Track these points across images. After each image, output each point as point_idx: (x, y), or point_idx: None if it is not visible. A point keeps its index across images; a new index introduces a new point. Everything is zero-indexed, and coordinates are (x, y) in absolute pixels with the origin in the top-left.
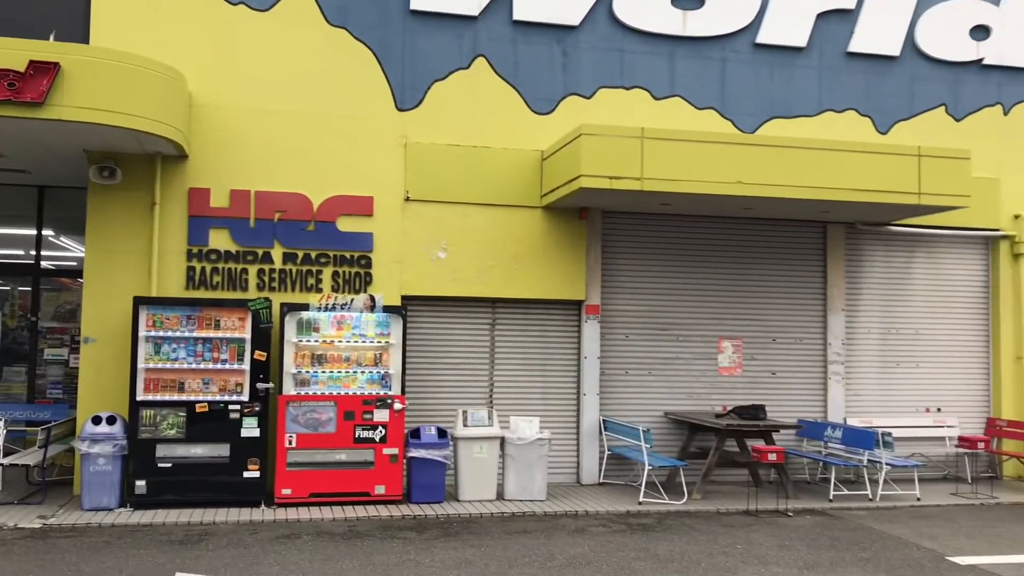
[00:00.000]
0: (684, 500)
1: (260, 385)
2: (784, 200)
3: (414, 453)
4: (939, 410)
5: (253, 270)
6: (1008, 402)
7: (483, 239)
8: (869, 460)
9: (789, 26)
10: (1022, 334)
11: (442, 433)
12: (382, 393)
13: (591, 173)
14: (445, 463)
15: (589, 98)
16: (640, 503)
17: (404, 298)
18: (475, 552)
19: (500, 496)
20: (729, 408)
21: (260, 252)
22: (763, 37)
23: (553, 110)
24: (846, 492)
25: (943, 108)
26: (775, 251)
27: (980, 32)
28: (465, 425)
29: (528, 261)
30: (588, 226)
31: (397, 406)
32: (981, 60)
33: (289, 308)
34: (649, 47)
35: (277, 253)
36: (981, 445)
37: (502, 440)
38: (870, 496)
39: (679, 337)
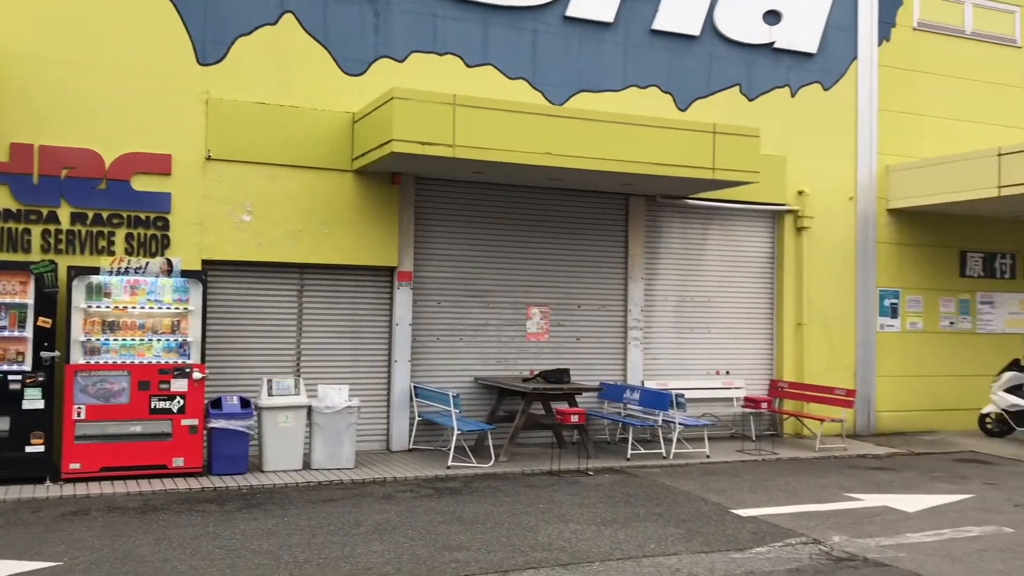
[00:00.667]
0: (492, 463)
1: (44, 354)
2: (589, 172)
3: (215, 424)
4: (728, 373)
5: (37, 231)
6: (789, 365)
7: (291, 202)
8: (664, 420)
9: (597, 1)
10: (802, 302)
11: (245, 403)
12: (180, 362)
13: (403, 138)
14: (248, 433)
15: (402, 62)
16: (449, 467)
17: (205, 263)
18: (278, 522)
19: (307, 466)
20: (536, 372)
21: (45, 211)
22: (573, 11)
23: (364, 72)
24: (643, 451)
25: (738, 88)
26: (581, 222)
27: (772, 17)
28: (270, 394)
29: (338, 226)
30: (401, 192)
31: (196, 375)
32: (772, 44)
33: (77, 272)
34: (462, 14)
35: (64, 213)
36: (764, 405)
37: (309, 409)
38: (664, 454)
39: (489, 304)
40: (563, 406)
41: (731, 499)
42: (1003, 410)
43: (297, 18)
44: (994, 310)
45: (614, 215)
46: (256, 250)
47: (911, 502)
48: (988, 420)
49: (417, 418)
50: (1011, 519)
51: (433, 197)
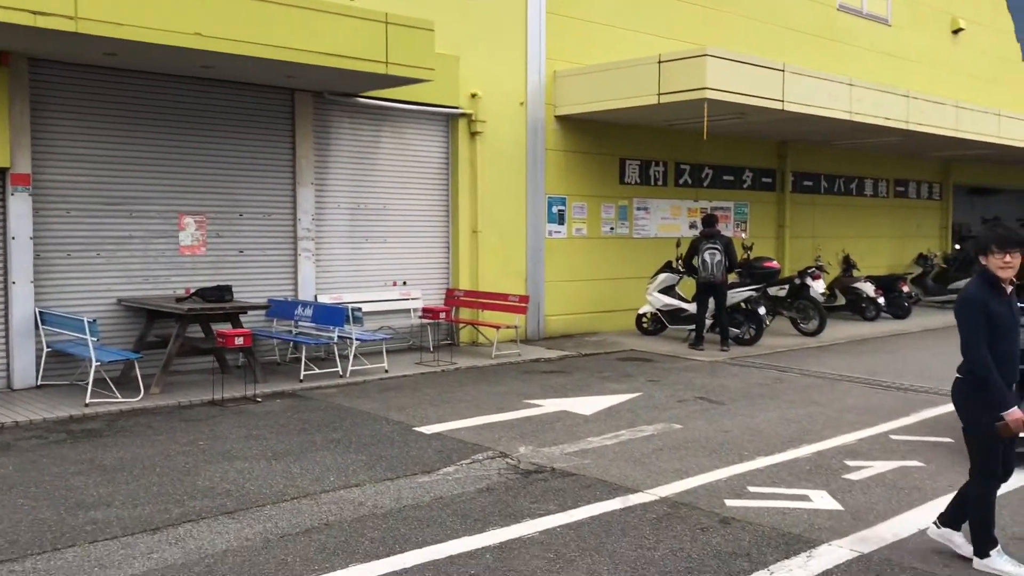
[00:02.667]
0: (141, 397)
1: None
2: (248, 60)
3: None
4: (405, 283)
5: None
6: (465, 273)
7: None
8: (339, 336)
9: None
10: (477, 209)
11: None
12: None
13: (8, 5)
14: None
15: None
16: (87, 405)
17: None
18: None
19: None
20: (192, 291)
21: None
22: None
23: None
24: (317, 371)
25: None
26: (241, 119)
27: None
28: None
29: None
30: (11, 75)
31: None
32: None
33: None
34: None
35: None
36: (442, 315)
37: None
38: (341, 372)
39: (132, 213)
40: (225, 327)
41: (414, 416)
42: (658, 310)
43: None
44: (649, 216)
45: (279, 112)
46: None
47: (587, 404)
48: (644, 320)
49: (46, 349)
50: (677, 415)
51: (56, 84)
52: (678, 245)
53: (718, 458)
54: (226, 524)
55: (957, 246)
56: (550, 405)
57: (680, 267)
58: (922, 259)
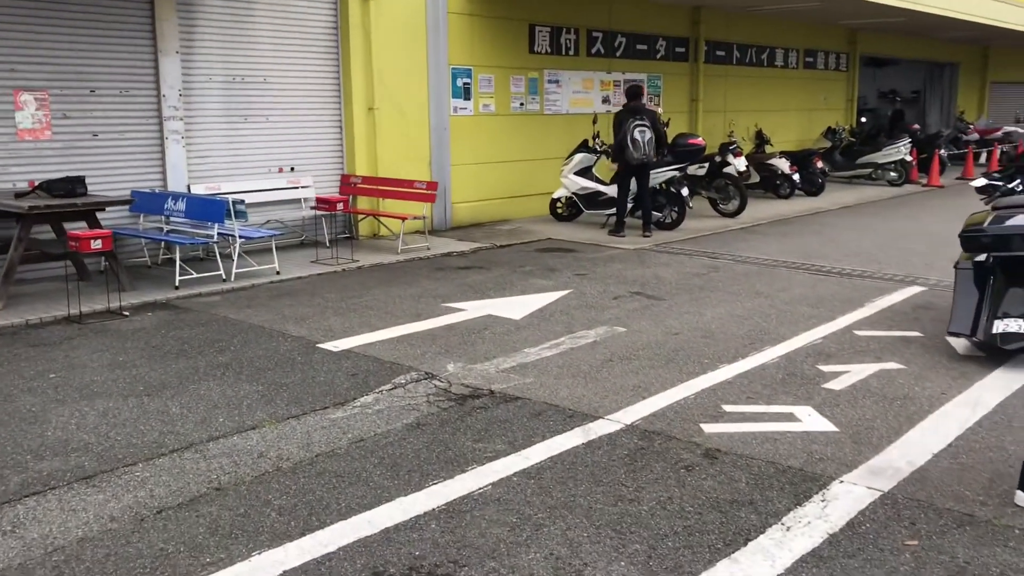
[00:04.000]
0: None
1: None
2: None
3: None
4: (293, 169)
5: None
6: (362, 157)
7: None
8: (220, 234)
9: None
10: (373, 83)
11: None
12: None
13: None
14: None
15: None
16: None
17: None
18: None
19: None
20: (37, 184)
21: None
22: None
23: None
24: (196, 275)
25: None
26: None
27: None
28: None
29: None
30: None
31: None
32: None
33: None
34: None
35: None
36: (340, 206)
37: None
38: (224, 276)
39: None
40: (81, 228)
41: (316, 329)
42: (573, 194)
43: None
44: (560, 89)
45: None
46: None
47: (514, 306)
48: (559, 204)
49: None
50: (617, 315)
51: None
52: (595, 122)
53: (677, 368)
54: (84, 496)
55: (863, 119)
56: (473, 309)
57: (598, 146)
58: (830, 133)
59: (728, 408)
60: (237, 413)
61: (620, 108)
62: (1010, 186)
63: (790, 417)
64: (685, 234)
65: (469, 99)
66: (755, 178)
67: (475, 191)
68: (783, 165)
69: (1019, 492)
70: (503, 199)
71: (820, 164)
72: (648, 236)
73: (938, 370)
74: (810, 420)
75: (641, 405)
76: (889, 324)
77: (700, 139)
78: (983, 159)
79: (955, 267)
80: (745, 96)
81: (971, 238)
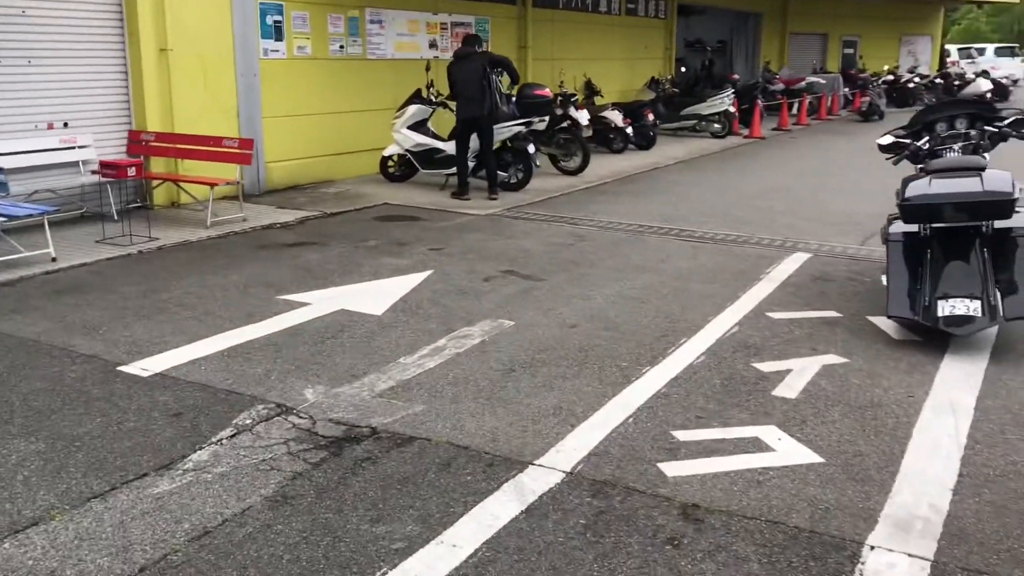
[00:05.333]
0: None
1: None
2: None
3: None
4: (66, 125)
5: None
6: (154, 109)
7: None
8: None
9: None
10: (165, 19)
11: None
12: None
13: None
14: None
15: None
16: None
17: None
18: None
19: None
20: None
21: None
22: None
23: None
24: None
25: None
26: None
27: None
28: None
29: None
30: None
31: None
32: None
33: None
34: None
35: None
36: (132, 170)
37: None
38: None
39: None
40: None
41: (114, 342)
42: (407, 150)
43: None
44: (384, 31)
45: None
46: None
47: (370, 297)
48: (391, 163)
49: None
50: (496, 303)
51: None
52: (428, 69)
53: (594, 377)
54: None
55: (683, 69)
56: (319, 302)
57: (433, 96)
58: (654, 84)
59: (680, 436)
60: (6, 495)
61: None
62: (918, 144)
63: (759, 445)
64: (533, 195)
65: (281, 40)
66: (587, 132)
67: (292, 148)
68: (616, 118)
69: None
70: (326, 157)
71: (651, 117)
72: (495, 199)
73: (885, 363)
74: (784, 447)
75: (573, 439)
76: (799, 303)
77: (547, 90)
78: (795, 109)
79: (885, 240)
80: (572, 44)
81: (916, 208)
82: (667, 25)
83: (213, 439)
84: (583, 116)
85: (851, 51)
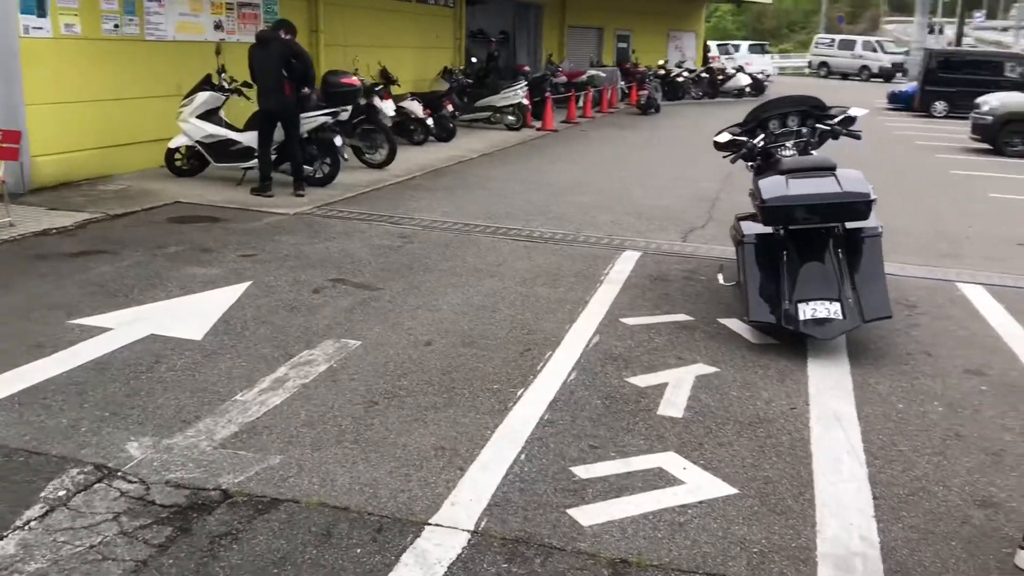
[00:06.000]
0: None
1: None
2: None
3: None
4: None
5: None
6: None
7: None
8: None
9: None
10: None
11: None
12: None
13: None
14: None
15: None
16: None
17: None
18: None
19: None
20: None
21: None
22: None
23: None
24: None
25: None
26: None
27: None
28: None
29: None
30: None
31: None
32: None
33: None
34: None
35: None
36: None
37: None
38: None
39: None
40: None
41: None
42: (197, 141)
43: None
44: (163, 9)
45: None
46: None
47: (184, 317)
48: (178, 155)
49: None
50: (334, 318)
51: None
52: (218, 52)
53: (468, 405)
54: None
55: (473, 59)
56: (123, 325)
57: (225, 82)
58: (448, 74)
59: (580, 472)
60: None
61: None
62: (754, 141)
63: (665, 477)
64: (343, 191)
65: (45, 15)
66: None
67: (62, 140)
68: (417, 109)
69: (1020, 552)
70: (102, 149)
71: (450, 107)
72: (302, 195)
73: (755, 371)
74: (693, 479)
75: (466, 486)
76: (647, 306)
77: (355, 78)
78: (581, 102)
79: (739, 242)
80: (365, 30)
81: (777, 210)
82: (455, 14)
83: (17, 523)
84: (388, 107)
85: (624, 45)
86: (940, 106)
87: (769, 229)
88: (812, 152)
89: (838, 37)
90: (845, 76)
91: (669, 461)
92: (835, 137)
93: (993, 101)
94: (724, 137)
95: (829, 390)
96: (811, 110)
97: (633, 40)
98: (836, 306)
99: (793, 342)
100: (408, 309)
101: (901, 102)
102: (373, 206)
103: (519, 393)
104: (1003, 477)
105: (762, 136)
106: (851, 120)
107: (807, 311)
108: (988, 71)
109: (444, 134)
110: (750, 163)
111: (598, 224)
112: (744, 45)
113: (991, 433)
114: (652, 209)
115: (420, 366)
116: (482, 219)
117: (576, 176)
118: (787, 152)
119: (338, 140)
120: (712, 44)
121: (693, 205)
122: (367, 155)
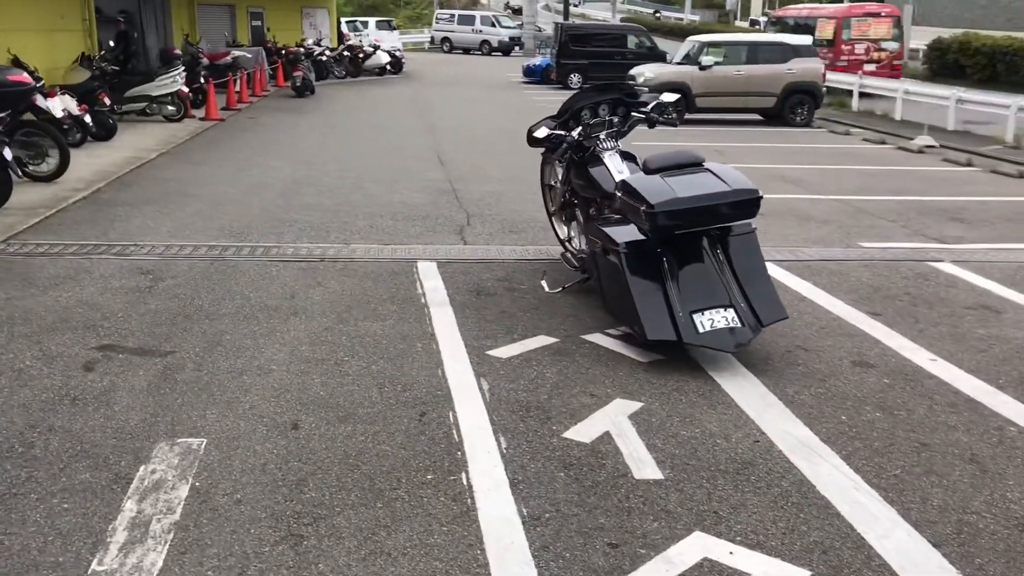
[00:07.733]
0: None
1: None
2: None
3: None
4: None
5: None
6: None
7: None
8: None
9: None
10: None
11: None
12: None
13: None
14: None
15: None
16: None
17: None
18: None
19: None
20: None
21: None
22: None
23: None
24: None
25: None
26: None
27: None
28: None
29: None
30: None
31: None
32: None
33: None
34: None
35: None
36: None
37: None
38: None
39: None
40: None
41: None
42: None
43: None
44: None
45: None
46: None
47: None
48: None
49: None
50: (143, 409)
51: None
52: None
53: (422, 514)
54: None
55: (111, 44)
56: None
57: None
58: (86, 61)
59: None
60: None
61: None
62: (572, 135)
63: (723, 571)
64: (22, 217)
65: None
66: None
67: None
68: (71, 105)
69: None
70: None
71: (108, 101)
72: None
73: (676, 398)
74: (754, 566)
75: None
76: (499, 331)
77: (24, 75)
78: (237, 87)
79: (607, 251)
80: None
81: (669, 214)
82: None
83: None
84: (56, 105)
85: (259, 23)
86: (575, 79)
87: (640, 235)
88: (618, 142)
89: (458, 12)
90: (467, 51)
91: (705, 545)
92: (651, 125)
93: (648, 72)
94: (543, 132)
95: (765, 410)
96: (623, 98)
97: (267, 18)
98: (731, 312)
99: (681, 355)
100: (229, 378)
101: (536, 75)
102: (76, 233)
103: (463, 481)
104: None
105: (579, 128)
106: (664, 106)
107: (704, 323)
108: (615, 43)
109: (104, 132)
110: (563, 158)
111: (360, 231)
112: (372, 22)
113: (952, 436)
114: (401, 207)
115: (311, 464)
116: (224, 238)
117: (284, 173)
118: (604, 144)
119: (7, 153)
120: (343, 21)
121: (438, 198)
122: (31, 166)
